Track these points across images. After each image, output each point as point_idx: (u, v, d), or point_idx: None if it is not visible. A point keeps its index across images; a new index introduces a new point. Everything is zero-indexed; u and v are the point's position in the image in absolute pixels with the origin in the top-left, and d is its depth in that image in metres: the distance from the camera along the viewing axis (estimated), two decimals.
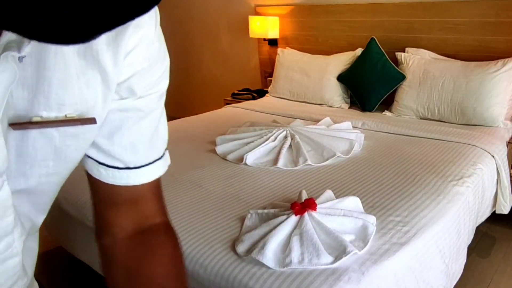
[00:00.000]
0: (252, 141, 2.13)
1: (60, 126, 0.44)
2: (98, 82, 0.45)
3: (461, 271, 1.65)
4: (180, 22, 4.40)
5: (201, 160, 2.05)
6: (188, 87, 4.64)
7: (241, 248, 1.28)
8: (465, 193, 1.71)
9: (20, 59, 0.38)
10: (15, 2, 0.23)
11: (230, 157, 2.05)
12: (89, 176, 0.55)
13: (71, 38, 0.25)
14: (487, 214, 2.04)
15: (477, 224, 1.90)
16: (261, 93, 3.59)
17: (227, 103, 3.53)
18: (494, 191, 2.08)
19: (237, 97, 3.62)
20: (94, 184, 0.55)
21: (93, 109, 0.46)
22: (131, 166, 0.54)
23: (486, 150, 2.09)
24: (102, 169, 0.53)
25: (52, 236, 2.01)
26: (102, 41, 0.44)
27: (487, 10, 2.55)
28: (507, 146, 2.26)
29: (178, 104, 4.71)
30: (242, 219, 1.47)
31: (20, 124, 0.41)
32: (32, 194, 0.47)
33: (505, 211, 2.13)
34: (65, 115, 0.44)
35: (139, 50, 0.47)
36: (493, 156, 2.08)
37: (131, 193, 0.56)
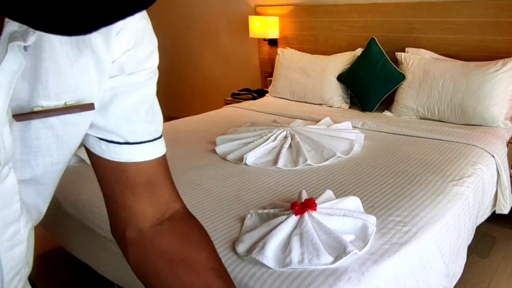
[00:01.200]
0: (252, 141, 2.13)
1: (61, 114, 0.45)
2: (92, 68, 0.46)
3: (461, 271, 1.65)
4: (180, 22, 4.40)
5: (201, 160, 2.05)
6: (188, 87, 4.64)
7: (241, 248, 1.28)
8: (465, 193, 1.71)
9: (26, 48, 0.39)
10: None
11: (230, 157, 2.05)
12: (95, 159, 0.55)
13: (74, 29, 0.27)
14: (487, 214, 2.04)
15: (477, 224, 1.90)
16: (261, 93, 3.59)
17: (227, 103, 3.53)
18: (494, 191, 2.08)
19: (237, 97, 3.62)
20: (102, 168, 0.55)
21: (90, 95, 0.47)
22: (130, 141, 0.54)
23: (486, 150, 2.09)
24: (103, 144, 0.53)
25: (52, 236, 2.01)
26: None
27: (487, 10, 2.55)
28: (507, 146, 2.26)
29: (178, 104, 4.71)
30: (242, 219, 1.46)
31: (23, 115, 0.42)
32: (38, 183, 0.49)
33: (505, 211, 2.13)
34: (65, 103, 0.45)
35: (127, 29, 0.48)
36: (493, 156, 2.07)
37: (142, 174, 0.55)
